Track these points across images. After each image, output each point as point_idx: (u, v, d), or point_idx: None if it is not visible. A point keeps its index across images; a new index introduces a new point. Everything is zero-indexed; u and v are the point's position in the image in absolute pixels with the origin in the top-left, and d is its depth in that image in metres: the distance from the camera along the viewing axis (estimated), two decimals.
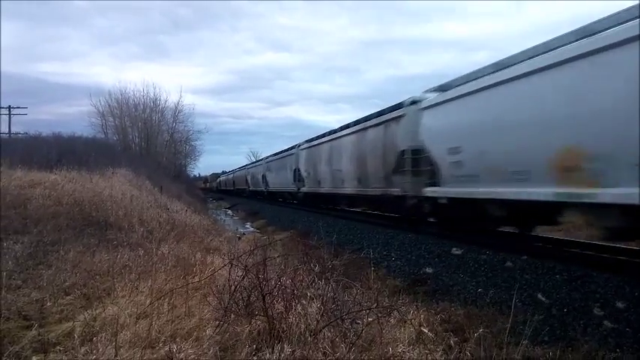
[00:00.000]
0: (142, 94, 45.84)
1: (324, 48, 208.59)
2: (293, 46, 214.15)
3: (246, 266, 4.72)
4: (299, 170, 24.51)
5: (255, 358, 3.69)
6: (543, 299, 6.63)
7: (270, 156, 36.11)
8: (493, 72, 8.72)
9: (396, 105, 13.64)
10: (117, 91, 45.99)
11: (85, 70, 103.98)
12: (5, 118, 40.93)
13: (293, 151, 26.53)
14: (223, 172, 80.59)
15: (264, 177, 36.98)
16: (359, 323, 4.16)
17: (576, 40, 6.76)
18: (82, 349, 3.77)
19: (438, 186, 10.61)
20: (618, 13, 6.33)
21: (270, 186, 34.82)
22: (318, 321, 4.08)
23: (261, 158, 41.09)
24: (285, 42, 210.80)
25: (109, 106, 44.86)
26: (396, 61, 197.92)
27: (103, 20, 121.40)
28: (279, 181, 30.97)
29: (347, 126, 17.97)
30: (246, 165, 54.03)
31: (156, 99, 46.11)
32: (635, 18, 5.81)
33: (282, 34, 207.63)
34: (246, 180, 45.98)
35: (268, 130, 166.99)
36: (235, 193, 56.03)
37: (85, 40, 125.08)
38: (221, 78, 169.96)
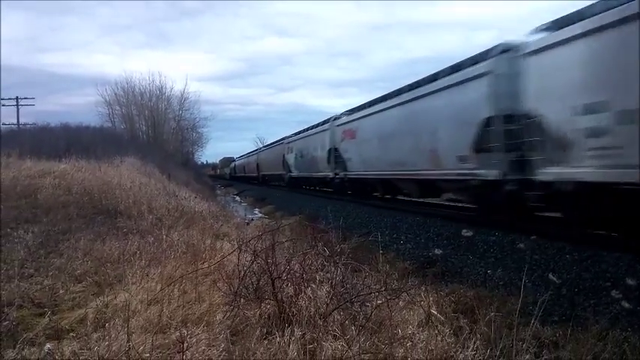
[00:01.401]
0: (147, 82, 45.83)
1: (328, 32, 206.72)
2: (297, 31, 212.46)
3: (255, 251, 4.73)
4: (499, 120, 9.28)
5: (265, 341, 3.71)
6: (554, 279, 6.61)
7: (346, 113, 20.51)
8: None
9: None
10: (123, 80, 46.07)
11: (91, 60, 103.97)
12: (7, 109, 41.13)
13: (454, 77, 11.14)
14: (240, 156, 64.61)
15: (333, 153, 20.70)
16: (368, 306, 4.18)
17: None
18: (95, 336, 3.82)
19: None
20: None
21: (354, 168, 18.55)
22: (327, 304, 4.10)
23: (321, 121, 23.89)
24: (288, 27, 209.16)
25: (116, 95, 44.94)
26: (400, 43, 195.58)
27: (107, 9, 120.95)
28: (395, 156, 14.26)
29: None
30: (283, 139, 32.77)
31: (162, 87, 46.12)
32: None
33: (285, 20, 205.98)
34: (284, 162, 30.62)
35: (274, 116, 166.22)
36: (262, 180, 41.33)
37: (89, 29, 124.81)
38: (226, 65, 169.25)
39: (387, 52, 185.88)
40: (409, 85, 14.31)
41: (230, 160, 75.53)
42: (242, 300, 4.36)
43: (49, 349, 3.66)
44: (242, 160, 59.00)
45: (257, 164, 43.90)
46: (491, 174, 9.37)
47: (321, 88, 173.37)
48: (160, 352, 3.56)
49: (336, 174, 20.60)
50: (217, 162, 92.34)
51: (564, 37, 7.44)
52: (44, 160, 17.61)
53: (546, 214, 9.27)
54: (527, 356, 3.74)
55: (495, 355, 3.66)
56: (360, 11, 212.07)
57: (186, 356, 3.30)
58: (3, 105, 40.21)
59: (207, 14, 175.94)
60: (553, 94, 7.69)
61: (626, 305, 5.54)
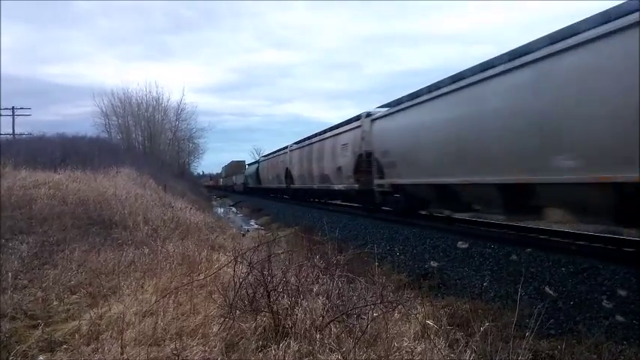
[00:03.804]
0: (144, 93, 45.96)
1: (325, 45, 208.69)
2: (294, 44, 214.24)
3: (250, 263, 4.72)
4: None
5: (261, 354, 3.69)
6: (550, 292, 6.61)
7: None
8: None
9: None
10: (120, 91, 46.17)
11: (90, 71, 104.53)
12: (3, 119, 41.14)
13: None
14: (269, 154, 38.79)
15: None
16: (364, 318, 4.16)
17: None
18: (88, 348, 3.79)
19: None
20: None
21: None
22: (323, 317, 4.08)
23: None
24: (286, 39, 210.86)
25: (112, 105, 44.99)
26: (396, 56, 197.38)
27: (107, 21, 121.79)
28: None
29: None
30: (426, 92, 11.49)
31: (158, 98, 46.23)
32: None
33: (283, 32, 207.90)
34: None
35: (271, 127, 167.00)
36: (382, 205, 15.53)
37: (89, 41, 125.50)
38: (224, 76, 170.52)
39: (383, 64, 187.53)
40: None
41: (241, 164, 54.49)
42: (237, 312, 4.34)
43: None
44: (278, 158, 32.36)
45: (359, 159, 16.49)
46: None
47: (318, 100, 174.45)
48: None
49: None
50: (221, 170, 71.66)
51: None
52: (39, 171, 17.53)
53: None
54: None
55: None
56: (358, 24, 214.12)
57: None
58: (1, 115, 40.22)
59: (206, 27, 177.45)
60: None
61: (622, 319, 5.54)
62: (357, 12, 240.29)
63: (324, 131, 22.45)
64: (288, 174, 28.55)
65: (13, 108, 41.08)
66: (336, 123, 21.95)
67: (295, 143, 28.10)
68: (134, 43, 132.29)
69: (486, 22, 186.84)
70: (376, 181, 14.91)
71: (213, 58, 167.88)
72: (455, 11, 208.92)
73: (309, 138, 25.24)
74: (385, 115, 14.61)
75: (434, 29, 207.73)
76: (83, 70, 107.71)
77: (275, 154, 34.78)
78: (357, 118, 17.33)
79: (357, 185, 16.69)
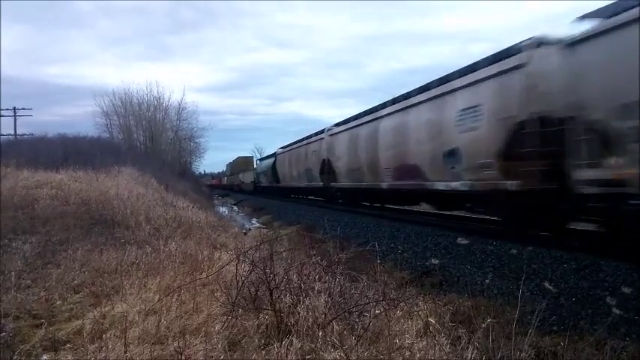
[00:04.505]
0: (145, 92, 45.93)
1: (327, 44, 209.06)
2: (296, 43, 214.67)
3: (253, 261, 4.73)
4: None
5: (263, 352, 3.70)
6: (551, 288, 6.61)
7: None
8: None
9: None
10: (121, 91, 46.08)
11: (91, 72, 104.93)
12: (4, 120, 41.22)
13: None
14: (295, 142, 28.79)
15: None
16: (366, 316, 4.17)
17: None
18: (92, 347, 3.80)
19: None
20: None
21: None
22: (325, 314, 4.09)
23: None
24: (287, 39, 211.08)
25: (113, 105, 44.96)
26: (397, 54, 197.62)
27: (107, 21, 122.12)
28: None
29: None
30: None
31: (159, 97, 46.18)
32: None
33: (285, 32, 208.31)
34: None
35: (272, 125, 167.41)
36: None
37: (90, 41, 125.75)
38: (225, 76, 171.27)
39: (384, 62, 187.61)
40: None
41: (249, 160, 47.83)
42: (240, 310, 4.35)
43: None
44: (307, 147, 24.73)
45: (516, 132, 8.42)
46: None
47: (319, 99, 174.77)
48: None
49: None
50: (225, 167, 66.78)
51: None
52: (41, 171, 17.58)
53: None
54: None
55: None
56: (359, 23, 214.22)
57: None
58: (2, 116, 40.32)
59: (207, 27, 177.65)
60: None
61: (624, 314, 5.54)
62: (358, 12, 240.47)
63: (403, 97, 13.84)
64: (326, 168, 20.56)
65: (14, 109, 41.23)
66: (338, 120, 18.83)
67: (336, 125, 20.43)
68: (134, 43, 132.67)
69: (486, 22, 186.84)
70: (584, 173, 6.94)
71: (214, 57, 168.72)
72: (455, 11, 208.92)
73: (364, 114, 17.14)
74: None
75: (434, 28, 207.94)
76: (84, 71, 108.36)
77: (300, 144, 26.23)
78: (499, 56, 9.31)
79: (508, 182, 8.73)
